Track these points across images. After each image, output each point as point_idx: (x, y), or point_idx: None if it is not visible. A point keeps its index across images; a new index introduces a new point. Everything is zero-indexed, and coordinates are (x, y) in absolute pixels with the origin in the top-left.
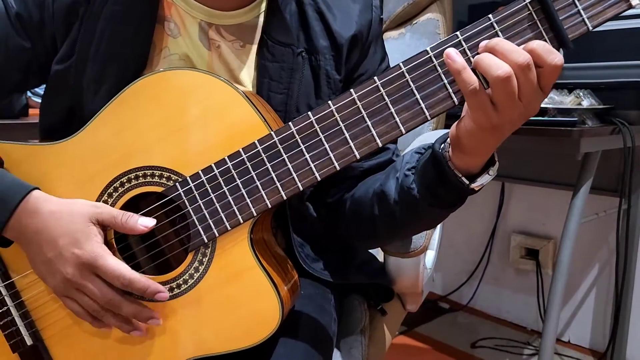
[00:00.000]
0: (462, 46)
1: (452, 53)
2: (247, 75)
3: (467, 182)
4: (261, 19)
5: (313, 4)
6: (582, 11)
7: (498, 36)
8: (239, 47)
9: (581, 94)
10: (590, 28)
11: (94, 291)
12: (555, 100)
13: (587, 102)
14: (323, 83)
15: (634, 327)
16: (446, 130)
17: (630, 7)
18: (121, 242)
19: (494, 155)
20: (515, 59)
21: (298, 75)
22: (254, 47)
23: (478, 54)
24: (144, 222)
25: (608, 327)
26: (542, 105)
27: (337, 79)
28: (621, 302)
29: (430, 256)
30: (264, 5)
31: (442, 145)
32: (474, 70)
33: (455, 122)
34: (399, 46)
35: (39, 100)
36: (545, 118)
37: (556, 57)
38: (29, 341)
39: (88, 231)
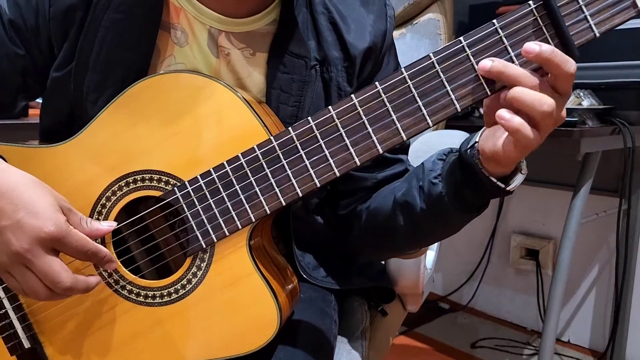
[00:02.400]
0: (466, 52)
1: (505, 113)
2: (256, 84)
3: (504, 185)
4: (273, 27)
5: (326, 13)
6: (589, 17)
7: (503, 42)
8: (249, 55)
9: (581, 94)
10: (597, 35)
11: (47, 270)
12: None
13: (587, 102)
14: (334, 95)
15: (634, 327)
16: (452, 132)
17: (639, 13)
18: (119, 246)
19: None
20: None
21: (310, 88)
22: (265, 56)
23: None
24: (108, 223)
25: (608, 327)
26: None
27: (349, 91)
28: (621, 302)
29: (430, 257)
30: (276, 13)
31: (469, 151)
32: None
33: (484, 138)
34: (400, 46)
35: (40, 101)
36: None
37: (572, 64)
38: (26, 344)
39: (55, 208)
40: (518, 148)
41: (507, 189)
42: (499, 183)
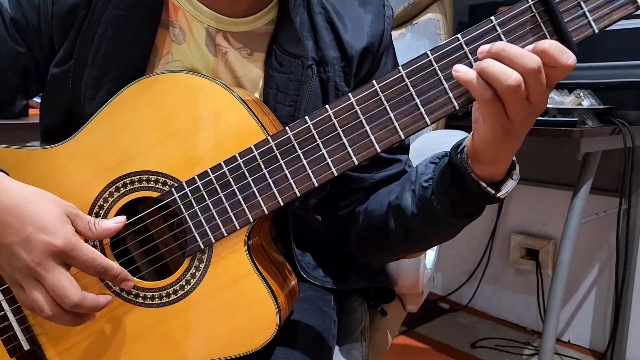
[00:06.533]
0: (464, 49)
1: (459, 66)
2: (254, 84)
3: (493, 191)
4: (271, 27)
5: (324, 13)
6: (587, 13)
7: (501, 39)
8: (247, 55)
9: (581, 94)
10: (596, 31)
11: (55, 284)
12: (556, 100)
13: (587, 102)
14: (331, 95)
15: (634, 327)
16: (452, 131)
17: (638, 8)
18: (118, 247)
19: (513, 160)
20: (525, 63)
21: (307, 88)
22: (262, 56)
23: (479, 59)
24: (116, 220)
25: (608, 327)
26: None
27: (346, 91)
28: (621, 302)
29: (430, 257)
30: (273, 13)
31: (459, 155)
32: None
33: (469, 136)
34: (399, 46)
35: (40, 100)
36: (546, 118)
37: (570, 56)
38: (26, 346)
39: (62, 221)
40: (492, 133)
41: (498, 195)
42: (489, 189)
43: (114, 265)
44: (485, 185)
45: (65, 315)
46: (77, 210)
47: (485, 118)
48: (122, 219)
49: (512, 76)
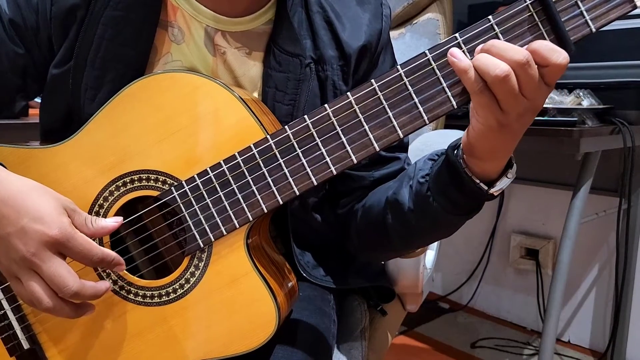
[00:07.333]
0: (462, 48)
1: (457, 52)
2: (253, 83)
3: (486, 187)
4: (269, 26)
5: (321, 12)
6: (585, 12)
7: (498, 38)
8: (245, 55)
9: (581, 94)
10: (594, 30)
11: (53, 273)
12: (555, 100)
13: (587, 102)
14: (329, 94)
15: (634, 327)
16: (451, 131)
17: (635, 7)
18: (117, 246)
19: (511, 158)
20: (512, 56)
21: (305, 87)
22: (261, 55)
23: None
24: (114, 219)
25: (608, 327)
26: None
27: (344, 90)
28: (621, 302)
29: (430, 256)
30: (272, 13)
31: (456, 151)
32: None
33: (466, 130)
34: (399, 46)
35: (39, 100)
36: (545, 118)
37: (560, 55)
38: (25, 345)
39: (58, 212)
40: (486, 125)
41: (490, 191)
42: (481, 184)
43: (110, 252)
44: (478, 181)
45: (65, 306)
46: (75, 206)
47: (478, 110)
48: (119, 218)
49: (499, 66)
